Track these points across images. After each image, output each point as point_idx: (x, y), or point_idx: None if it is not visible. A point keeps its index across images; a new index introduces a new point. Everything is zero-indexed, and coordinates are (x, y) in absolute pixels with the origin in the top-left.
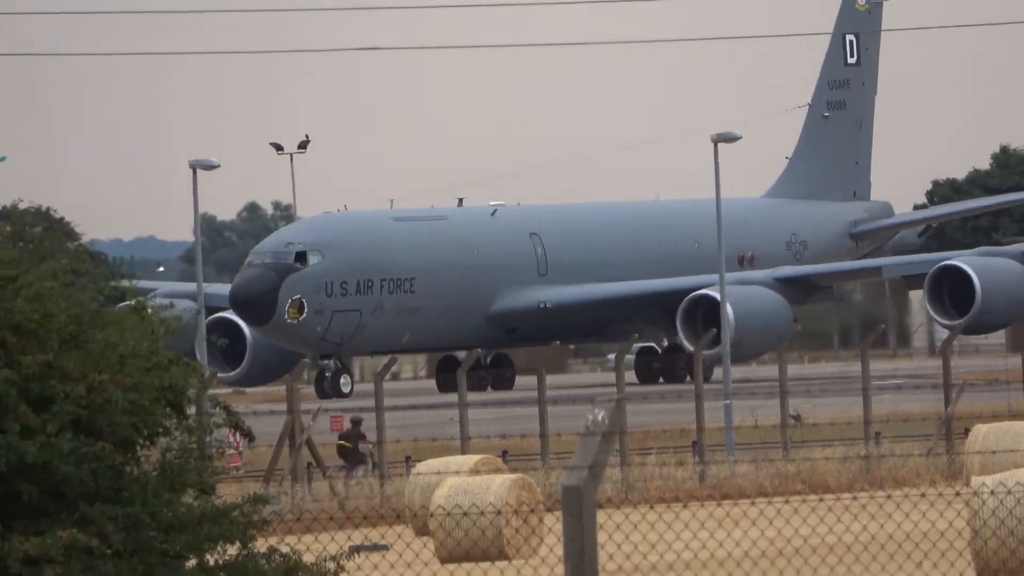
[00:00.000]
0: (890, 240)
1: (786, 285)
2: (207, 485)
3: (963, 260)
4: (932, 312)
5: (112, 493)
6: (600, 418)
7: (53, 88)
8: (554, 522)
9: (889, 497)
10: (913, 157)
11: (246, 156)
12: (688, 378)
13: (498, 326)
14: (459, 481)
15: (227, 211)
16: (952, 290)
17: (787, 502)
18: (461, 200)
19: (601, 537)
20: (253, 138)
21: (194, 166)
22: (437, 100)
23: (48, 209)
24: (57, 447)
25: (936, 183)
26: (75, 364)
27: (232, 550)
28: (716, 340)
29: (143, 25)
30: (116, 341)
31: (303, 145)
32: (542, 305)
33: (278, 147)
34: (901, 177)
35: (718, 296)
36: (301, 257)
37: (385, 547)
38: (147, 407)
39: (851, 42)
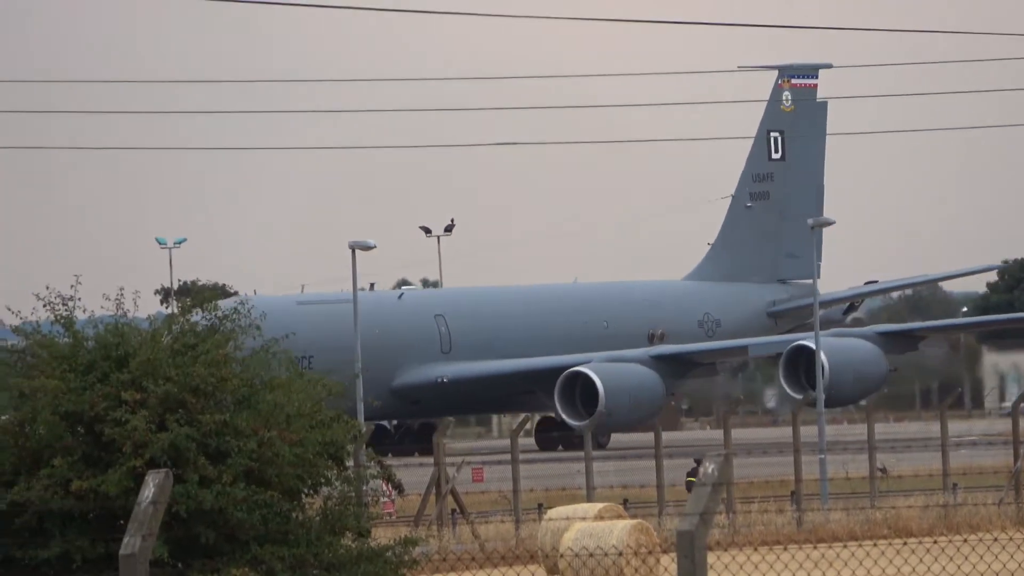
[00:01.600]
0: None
1: (662, 362)
2: (364, 529)
3: (813, 340)
4: (785, 386)
5: (280, 536)
6: (711, 470)
7: (222, 177)
8: (669, 563)
9: (965, 541)
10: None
11: (397, 237)
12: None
13: (402, 399)
14: (585, 525)
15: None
16: (808, 366)
17: (875, 545)
18: (372, 285)
19: None
20: (402, 221)
21: (353, 247)
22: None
23: (224, 286)
24: (231, 495)
25: (1006, 262)
26: (247, 422)
27: None
28: (590, 412)
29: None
30: (283, 402)
31: (449, 228)
32: (440, 380)
33: (427, 230)
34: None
35: (589, 372)
36: None
37: None
38: (311, 460)
39: (775, 139)
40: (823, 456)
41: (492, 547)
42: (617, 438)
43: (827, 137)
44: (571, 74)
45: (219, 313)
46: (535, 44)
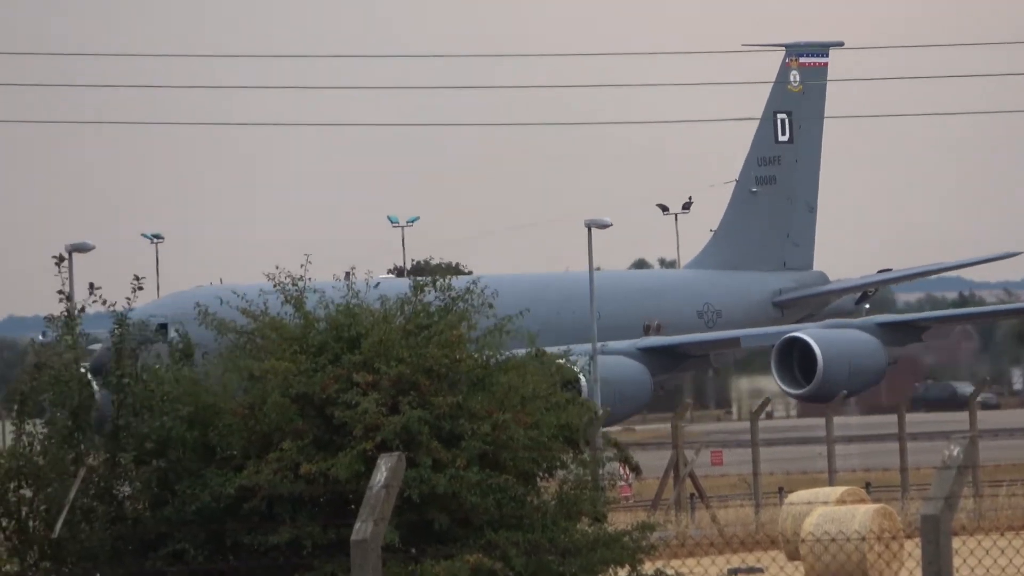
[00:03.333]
0: (825, 307)
1: (650, 355)
2: (600, 514)
3: (808, 332)
4: (779, 381)
5: (514, 521)
6: (956, 453)
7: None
8: (913, 548)
9: None
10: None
11: (635, 215)
12: None
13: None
14: (827, 510)
15: (619, 267)
16: (801, 360)
17: None
18: (348, 273)
19: (956, 562)
20: (640, 198)
21: (590, 225)
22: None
23: (457, 264)
24: (465, 479)
25: None
26: (481, 405)
27: (622, 573)
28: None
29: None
30: (518, 384)
31: (687, 206)
32: None
33: (664, 208)
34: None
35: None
36: (163, 329)
37: (760, 571)
38: (546, 443)
39: (782, 120)
40: None
41: (731, 532)
42: (861, 420)
43: (824, 121)
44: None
45: (452, 293)
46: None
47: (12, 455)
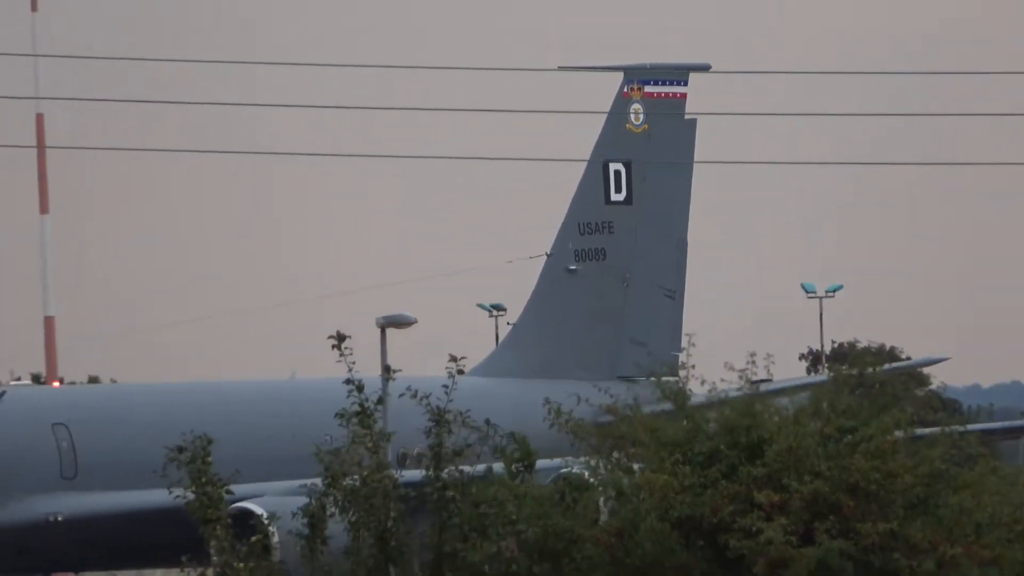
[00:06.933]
0: None
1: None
2: None
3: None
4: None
5: None
6: None
7: None
8: None
9: None
10: None
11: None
12: None
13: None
14: None
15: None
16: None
17: None
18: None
19: None
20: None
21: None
22: None
23: (891, 348)
24: None
25: None
26: (922, 533)
27: None
28: None
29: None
30: (971, 506)
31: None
32: (52, 518)
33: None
34: None
35: (256, 509)
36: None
37: None
38: None
39: (616, 172)
40: None
41: None
42: None
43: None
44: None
45: (881, 384)
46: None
47: None
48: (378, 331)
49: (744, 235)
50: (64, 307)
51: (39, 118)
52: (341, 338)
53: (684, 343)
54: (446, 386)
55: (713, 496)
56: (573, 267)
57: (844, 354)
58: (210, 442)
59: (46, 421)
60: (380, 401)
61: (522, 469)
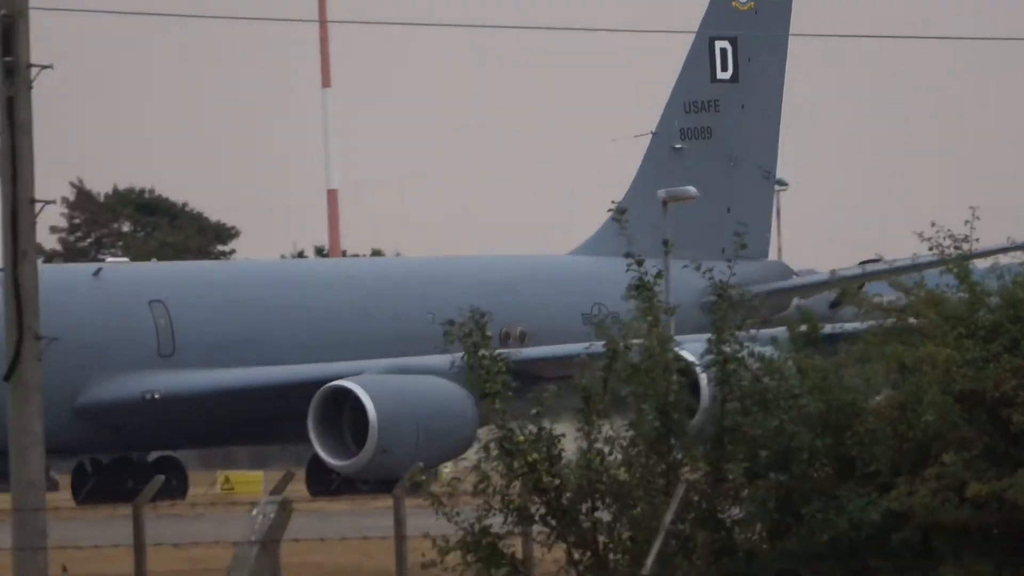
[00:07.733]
0: (783, 310)
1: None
2: None
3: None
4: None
5: None
6: None
7: None
8: None
9: None
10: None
11: None
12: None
13: (96, 424)
14: None
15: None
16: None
17: None
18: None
19: None
20: None
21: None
22: None
23: None
24: None
25: None
26: None
27: None
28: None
29: None
30: None
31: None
32: (148, 396)
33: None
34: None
35: (354, 388)
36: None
37: None
38: None
39: (723, 50)
40: None
41: None
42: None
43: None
44: None
45: None
46: None
47: (583, 468)
48: None
49: None
50: (346, 182)
51: None
52: (621, 211)
53: (969, 216)
54: (729, 262)
55: (996, 370)
56: (679, 145)
57: None
58: (484, 315)
59: (143, 298)
60: (659, 275)
61: (807, 343)
